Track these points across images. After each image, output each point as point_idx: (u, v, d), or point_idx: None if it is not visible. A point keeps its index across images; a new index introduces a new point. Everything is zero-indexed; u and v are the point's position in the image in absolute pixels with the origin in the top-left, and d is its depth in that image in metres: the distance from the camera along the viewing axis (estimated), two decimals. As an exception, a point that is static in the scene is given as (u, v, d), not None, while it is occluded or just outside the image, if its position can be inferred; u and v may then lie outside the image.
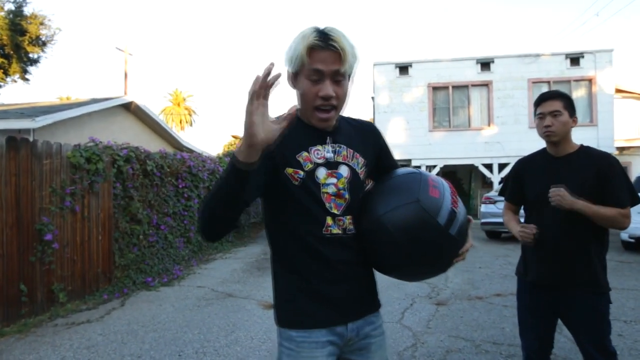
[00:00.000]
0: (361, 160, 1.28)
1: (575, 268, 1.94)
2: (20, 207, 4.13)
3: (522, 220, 2.18)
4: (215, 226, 1.10)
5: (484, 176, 15.76)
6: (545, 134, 2.01)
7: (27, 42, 16.90)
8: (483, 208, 10.11)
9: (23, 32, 16.75)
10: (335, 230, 1.20)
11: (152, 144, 12.16)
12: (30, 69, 18.19)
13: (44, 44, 17.83)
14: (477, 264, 6.95)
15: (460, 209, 1.23)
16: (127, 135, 11.22)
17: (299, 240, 1.20)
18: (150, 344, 3.59)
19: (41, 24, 17.43)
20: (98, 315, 4.41)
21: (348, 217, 1.23)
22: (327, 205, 1.20)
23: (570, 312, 1.99)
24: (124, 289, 5.33)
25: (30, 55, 17.66)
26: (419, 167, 14.94)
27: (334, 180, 1.21)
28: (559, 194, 1.89)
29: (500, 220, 9.53)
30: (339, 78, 1.16)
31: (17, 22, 16.62)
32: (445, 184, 1.25)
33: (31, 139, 4.39)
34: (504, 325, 3.86)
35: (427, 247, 1.18)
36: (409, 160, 15.00)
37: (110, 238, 5.43)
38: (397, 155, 14.94)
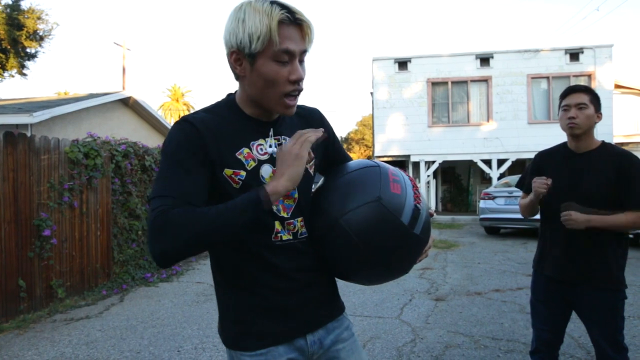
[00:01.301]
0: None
1: (590, 265, 1.94)
2: (18, 202, 4.12)
3: (538, 216, 2.19)
4: (195, 252, 0.94)
5: (482, 172, 15.78)
6: (569, 125, 1.97)
7: (24, 37, 16.82)
8: (482, 204, 10.11)
9: (20, 27, 16.66)
10: (286, 237, 1.07)
11: (151, 140, 12.13)
12: (28, 63, 18.12)
13: (42, 38, 17.74)
14: (476, 259, 6.96)
15: (423, 204, 1.12)
16: (125, 130, 11.19)
17: (245, 251, 1.05)
18: (149, 339, 3.59)
19: (38, 18, 17.33)
20: (97, 311, 4.40)
21: (299, 219, 1.10)
22: (275, 208, 1.04)
23: (584, 307, 1.99)
24: (123, 284, 5.33)
25: (28, 50, 17.58)
26: (417, 162, 14.96)
27: None
28: (571, 218, 1.88)
29: (498, 216, 9.62)
30: (303, 58, 1.02)
31: (15, 17, 16.52)
32: (406, 178, 1.13)
33: (29, 134, 4.38)
34: (502, 321, 3.86)
35: (391, 249, 1.06)
36: (408, 156, 15.00)
37: (109, 234, 5.43)
38: (396, 150, 14.96)
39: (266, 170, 1.04)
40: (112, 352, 3.35)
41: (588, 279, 1.95)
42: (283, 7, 0.95)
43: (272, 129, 1.08)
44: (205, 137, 0.98)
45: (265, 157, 1.05)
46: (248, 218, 0.92)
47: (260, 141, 1.06)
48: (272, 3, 0.95)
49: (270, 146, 1.07)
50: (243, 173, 1.01)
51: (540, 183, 1.98)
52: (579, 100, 1.97)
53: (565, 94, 2.03)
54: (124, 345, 3.48)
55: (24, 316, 4.09)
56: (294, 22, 0.96)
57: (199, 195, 0.95)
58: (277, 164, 0.98)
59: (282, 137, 1.10)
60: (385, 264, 1.09)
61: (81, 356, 3.27)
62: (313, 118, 1.20)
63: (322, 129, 1.04)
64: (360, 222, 1.03)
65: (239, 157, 1.02)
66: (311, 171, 1.14)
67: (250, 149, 1.04)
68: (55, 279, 4.52)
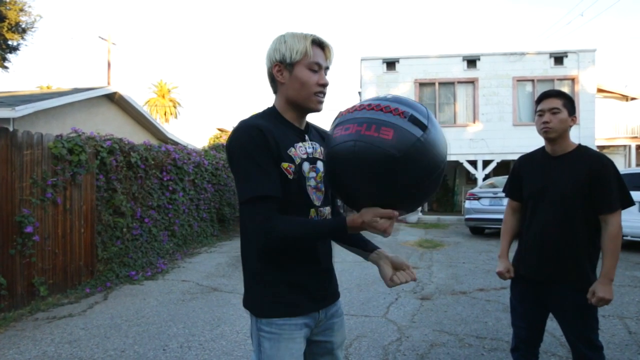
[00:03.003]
0: None
1: (563, 265, 1.99)
2: (-1, 198, 4.03)
3: (519, 214, 2.27)
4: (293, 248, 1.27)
5: (468, 172, 15.97)
6: (543, 129, 2.05)
7: (6, 29, 16.42)
8: (467, 204, 10.23)
9: (2, 19, 16.27)
10: None
11: (136, 136, 11.99)
12: (10, 56, 17.69)
13: (24, 31, 17.34)
14: (461, 259, 7.04)
15: (402, 104, 1.14)
16: (110, 126, 11.03)
17: None
18: (134, 338, 3.56)
19: (21, 10, 16.94)
20: (80, 310, 4.34)
21: (327, 207, 1.38)
22: (311, 197, 1.31)
23: (557, 307, 2.05)
24: (107, 282, 5.26)
25: (10, 42, 17.16)
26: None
27: (314, 174, 1.33)
28: (602, 298, 1.89)
29: (483, 216, 9.74)
30: (327, 72, 1.36)
31: (-4, 8, 16.12)
32: (371, 115, 1.12)
33: (11, 129, 4.28)
34: (487, 320, 3.92)
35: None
36: (395, 156, 15.05)
37: (93, 231, 5.35)
38: (384, 150, 15.00)
39: (305, 166, 1.31)
40: (96, 350, 3.30)
41: (561, 279, 2.00)
42: (313, 35, 1.32)
43: (306, 136, 1.37)
44: (268, 138, 1.22)
45: (305, 156, 1.32)
46: (332, 236, 1.29)
47: (300, 144, 1.33)
48: (305, 33, 1.31)
49: (309, 148, 1.35)
50: (293, 166, 1.27)
51: (502, 276, 2.21)
52: (552, 105, 2.04)
53: (539, 100, 2.11)
54: (108, 344, 3.44)
55: (5, 314, 4.01)
56: (321, 45, 1.32)
57: (280, 188, 1.22)
58: (367, 213, 1.14)
59: (313, 142, 1.38)
60: (444, 164, 1.16)
61: (64, 355, 3.22)
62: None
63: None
64: (413, 177, 1.09)
65: (290, 153, 1.28)
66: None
67: (295, 149, 1.30)
68: (37, 277, 4.44)
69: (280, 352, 1.27)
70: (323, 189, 1.36)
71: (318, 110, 1.34)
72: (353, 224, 1.17)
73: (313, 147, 1.37)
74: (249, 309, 1.34)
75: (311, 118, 1.43)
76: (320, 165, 1.36)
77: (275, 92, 1.36)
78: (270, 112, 1.35)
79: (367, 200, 1.15)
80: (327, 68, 1.34)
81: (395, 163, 1.05)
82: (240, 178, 1.21)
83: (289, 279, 1.29)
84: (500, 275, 2.21)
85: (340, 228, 1.19)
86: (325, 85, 1.32)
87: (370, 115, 1.11)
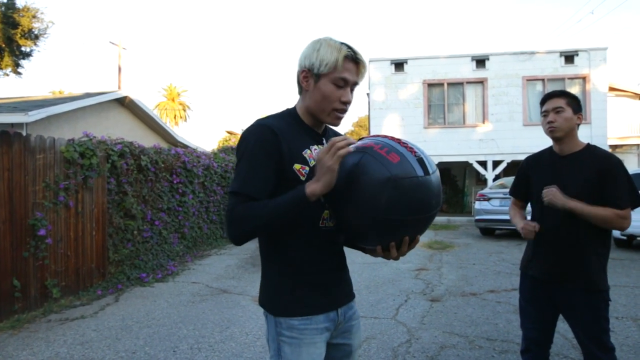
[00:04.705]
0: None
1: (572, 266, 1.98)
2: (13, 202, 4.10)
3: (529, 217, 2.23)
4: (258, 235, 1.25)
5: (478, 173, 15.85)
6: (549, 129, 2.05)
7: (19, 35, 16.72)
8: (477, 205, 10.16)
9: (15, 25, 16.57)
10: (330, 223, 1.31)
11: (147, 139, 12.10)
12: (23, 62, 18.03)
13: (37, 37, 17.65)
14: (471, 260, 6.99)
15: (416, 148, 1.20)
16: (121, 130, 11.15)
17: (298, 232, 1.28)
18: (145, 339, 3.59)
19: (34, 16, 17.24)
20: (92, 311, 4.39)
21: None
22: (323, 199, 1.27)
23: (568, 308, 2.03)
24: (118, 284, 5.32)
25: (23, 48, 17.48)
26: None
27: None
28: (551, 192, 1.94)
29: (494, 217, 9.66)
30: (354, 88, 1.32)
31: (9, 15, 16.43)
32: (387, 140, 1.21)
33: (24, 134, 4.35)
34: (497, 321, 3.89)
35: (428, 201, 1.16)
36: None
37: (104, 233, 5.41)
38: (392, 151, 14.96)
39: None
40: (107, 352, 3.34)
41: (571, 279, 1.98)
42: (349, 47, 1.27)
43: (323, 139, 1.37)
44: (279, 137, 1.23)
45: None
46: (296, 211, 1.17)
47: (316, 146, 1.33)
48: (342, 43, 1.27)
49: None
50: (307, 168, 1.27)
51: (529, 231, 2.06)
52: (555, 104, 2.04)
53: (543, 101, 2.11)
54: (119, 345, 3.47)
55: (19, 316, 4.07)
56: (355, 60, 1.28)
57: (267, 190, 1.21)
58: (316, 168, 1.16)
59: None
60: (433, 212, 1.19)
61: (76, 356, 3.26)
62: None
63: (352, 139, 1.19)
64: (398, 203, 1.12)
65: (305, 155, 1.28)
66: None
67: (311, 151, 1.30)
68: (50, 279, 4.50)
69: (302, 357, 1.26)
70: None
71: (335, 125, 1.35)
72: (313, 192, 1.13)
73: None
74: (266, 308, 1.34)
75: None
76: None
77: (300, 93, 1.36)
78: (290, 113, 1.36)
79: (351, 209, 1.19)
80: (356, 84, 1.31)
81: (388, 181, 1.11)
82: (236, 172, 1.25)
83: (305, 276, 1.30)
84: (525, 229, 2.06)
85: (298, 195, 1.15)
86: (347, 102, 1.30)
87: (387, 141, 1.21)
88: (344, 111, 1.31)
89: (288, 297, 1.29)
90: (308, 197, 1.14)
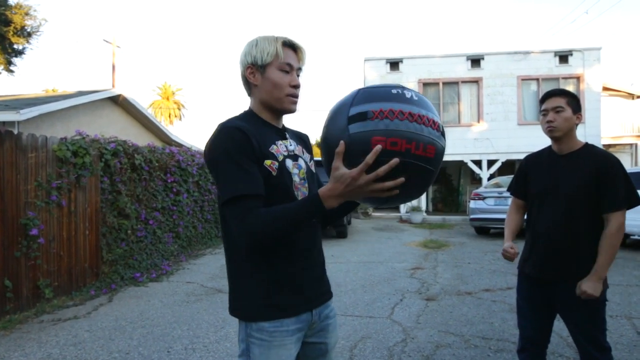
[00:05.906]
0: (307, 155, 1.44)
1: (569, 265, 1.98)
2: (4, 201, 4.05)
3: (526, 216, 2.23)
4: (277, 243, 1.22)
5: (473, 172, 15.87)
6: (548, 128, 2.04)
7: (11, 33, 16.56)
8: (472, 204, 10.18)
9: (7, 23, 16.41)
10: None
11: (141, 138, 12.02)
12: (15, 60, 17.88)
13: (29, 34, 17.50)
14: (467, 259, 7.01)
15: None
16: (114, 128, 11.07)
17: None
18: (139, 340, 3.56)
19: (26, 14, 17.09)
20: (85, 312, 4.35)
21: None
22: (296, 193, 1.30)
23: (565, 308, 2.02)
24: (112, 284, 5.27)
25: (15, 46, 17.33)
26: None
27: (297, 170, 1.34)
28: (585, 293, 1.88)
29: (488, 216, 9.69)
30: (299, 74, 1.36)
31: (2, 12, 16.26)
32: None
33: (16, 132, 4.30)
34: (492, 320, 3.89)
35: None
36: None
37: (98, 233, 5.36)
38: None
39: (288, 163, 1.32)
40: (100, 352, 3.30)
41: (567, 278, 1.97)
42: (284, 37, 1.33)
43: (286, 133, 1.39)
44: (250, 137, 1.21)
45: (286, 153, 1.33)
46: (313, 214, 1.13)
47: (281, 141, 1.33)
48: (275, 35, 1.32)
49: (290, 145, 1.36)
50: (277, 163, 1.27)
51: (507, 258, 2.17)
52: (555, 104, 2.02)
53: (543, 99, 2.10)
54: (113, 345, 3.44)
55: (10, 317, 4.02)
56: (292, 46, 1.33)
57: (262, 187, 1.20)
58: (337, 181, 1.08)
59: (291, 140, 1.40)
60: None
61: (69, 357, 3.23)
62: (304, 140, 1.50)
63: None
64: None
65: (272, 151, 1.28)
66: (312, 169, 1.43)
67: (277, 146, 1.30)
68: (42, 279, 4.45)
69: (270, 359, 1.25)
70: (307, 185, 1.36)
71: (292, 111, 1.35)
72: (332, 193, 1.09)
73: (293, 145, 1.38)
74: (238, 315, 1.30)
75: (298, 118, 1.40)
76: (301, 162, 1.37)
77: (249, 94, 1.37)
78: (247, 114, 1.36)
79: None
80: (300, 69, 1.35)
81: (432, 176, 1.13)
82: (222, 180, 1.19)
83: (279, 278, 1.26)
84: (505, 252, 2.15)
85: (314, 201, 1.11)
86: (297, 86, 1.33)
87: (414, 130, 1.06)
88: (297, 95, 1.34)
89: (261, 302, 1.26)
90: (325, 202, 1.10)
